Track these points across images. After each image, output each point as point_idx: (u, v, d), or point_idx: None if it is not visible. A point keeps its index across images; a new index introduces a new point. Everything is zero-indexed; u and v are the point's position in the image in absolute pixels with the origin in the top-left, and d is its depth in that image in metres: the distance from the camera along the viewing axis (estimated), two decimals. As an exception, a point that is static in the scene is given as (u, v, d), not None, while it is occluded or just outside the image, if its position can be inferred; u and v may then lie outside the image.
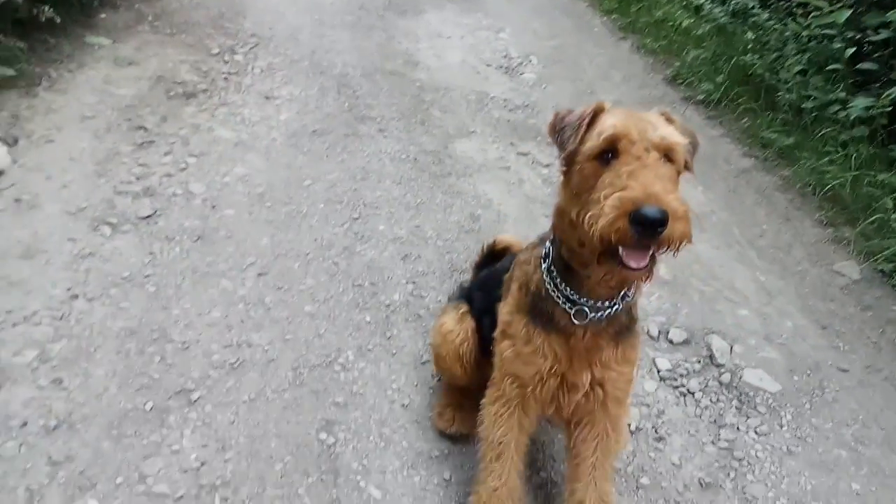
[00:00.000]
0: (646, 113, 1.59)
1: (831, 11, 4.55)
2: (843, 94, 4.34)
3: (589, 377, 1.79)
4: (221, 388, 2.50)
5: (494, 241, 2.56)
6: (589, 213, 1.45)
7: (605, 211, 1.39)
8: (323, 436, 2.37)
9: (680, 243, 1.43)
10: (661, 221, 1.35)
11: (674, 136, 1.53)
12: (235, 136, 4.09)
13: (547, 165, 4.21)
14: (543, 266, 1.80)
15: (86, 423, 2.31)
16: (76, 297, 2.80)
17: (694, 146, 1.67)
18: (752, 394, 2.77)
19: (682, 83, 5.50)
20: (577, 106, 1.67)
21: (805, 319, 3.21)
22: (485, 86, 5.22)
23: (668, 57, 5.95)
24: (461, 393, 2.40)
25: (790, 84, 4.67)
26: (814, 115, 4.48)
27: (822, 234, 3.81)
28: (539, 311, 1.80)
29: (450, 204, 3.74)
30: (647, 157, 1.46)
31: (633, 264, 1.44)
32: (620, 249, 1.44)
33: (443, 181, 3.94)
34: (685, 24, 6.15)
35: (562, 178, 1.70)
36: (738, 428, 2.62)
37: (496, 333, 1.96)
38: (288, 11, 6.12)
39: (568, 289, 1.72)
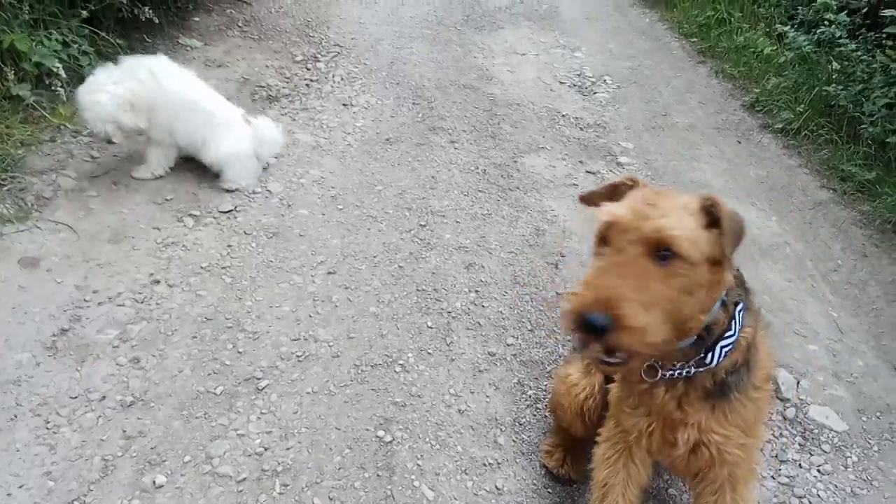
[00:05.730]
0: (676, 197, 1.46)
1: (924, 44, 4.40)
2: (930, 131, 4.19)
3: (687, 437, 1.68)
4: (287, 379, 2.59)
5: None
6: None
7: (566, 305, 1.32)
8: (381, 433, 2.43)
9: (633, 355, 1.33)
10: (603, 329, 1.26)
11: (671, 229, 1.35)
12: (313, 140, 4.24)
13: (616, 186, 4.18)
14: None
15: (159, 401, 2.44)
16: (158, 282, 2.97)
17: (736, 236, 1.43)
18: (816, 431, 2.68)
19: (760, 110, 5.38)
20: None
21: (877, 359, 3.09)
22: (557, 103, 5.24)
23: (748, 83, 5.84)
24: (573, 438, 2.31)
25: (875, 117, 4.51)
26: (898, 150, 4.33)
27: (901, 273, 3.66)
28: None
29: (515, 217, 3.77)
30: (629, 251, 1.35)
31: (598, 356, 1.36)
32: None
33: (510, 194, 3.98)
34: (766, 51, 6.02)
35: None
36: (800, 465, 2.54)
37: None
38: (369, 23, 6.31)
39: None
